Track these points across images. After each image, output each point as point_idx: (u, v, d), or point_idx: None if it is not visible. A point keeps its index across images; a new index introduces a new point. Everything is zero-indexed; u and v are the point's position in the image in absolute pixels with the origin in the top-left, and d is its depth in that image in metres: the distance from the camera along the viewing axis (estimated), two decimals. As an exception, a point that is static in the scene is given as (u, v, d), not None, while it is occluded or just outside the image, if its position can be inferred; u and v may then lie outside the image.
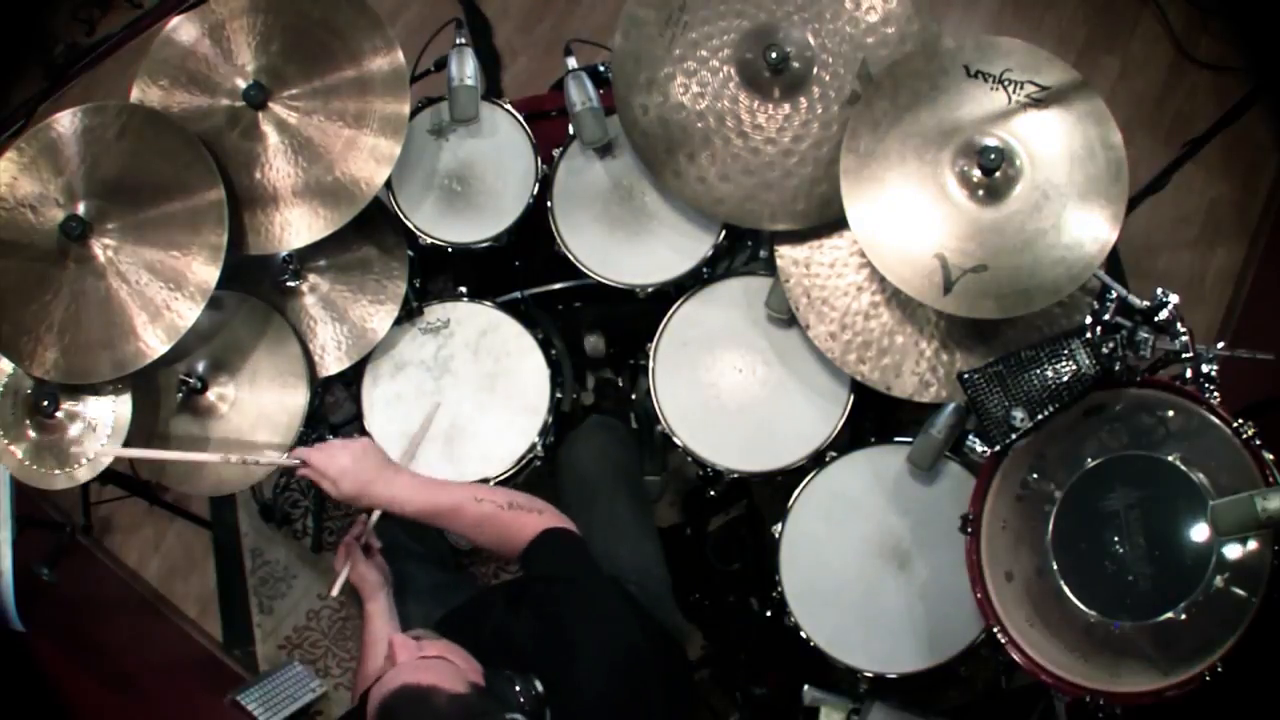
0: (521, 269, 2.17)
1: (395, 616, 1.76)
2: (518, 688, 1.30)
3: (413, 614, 1.81)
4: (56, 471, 1.84)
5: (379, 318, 1.97)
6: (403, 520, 1.87)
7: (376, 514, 1.71)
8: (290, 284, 1.97)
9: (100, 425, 1.84)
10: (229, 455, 1.69)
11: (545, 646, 1.40)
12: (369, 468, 1.57)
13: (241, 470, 1.88)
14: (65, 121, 1.79)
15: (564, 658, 1.38)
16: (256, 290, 1.95)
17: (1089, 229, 1.62)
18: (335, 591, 1.68)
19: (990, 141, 1.64)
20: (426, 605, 1.84)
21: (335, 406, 2.43)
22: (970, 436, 1.67)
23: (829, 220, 1.84)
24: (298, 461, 1.59)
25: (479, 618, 1.54)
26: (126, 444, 1.82)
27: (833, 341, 1.85)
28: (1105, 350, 1.57)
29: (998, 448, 1.61)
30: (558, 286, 2.18)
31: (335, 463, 1.56)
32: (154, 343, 1.75)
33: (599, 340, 2.28)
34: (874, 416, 2.05)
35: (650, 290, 2.01)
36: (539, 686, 1.31)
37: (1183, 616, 1.41)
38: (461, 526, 1.59)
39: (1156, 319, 1.59)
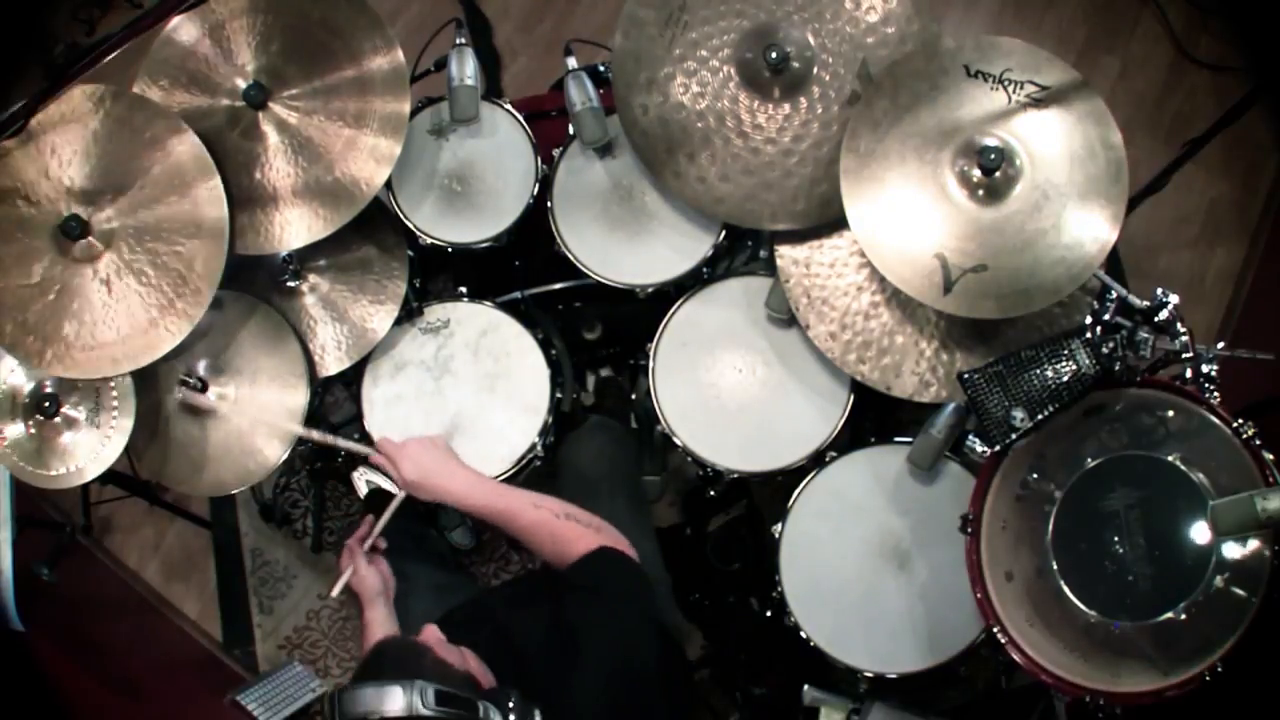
0: (521, 269, 2.17)
1: (396, 625, 1.75)
2: (511, 703, 1.29)
3: (413, 613, 1.81)
4: (57, 471, 1.84)
5: (379, 318, 1.97)
6: (404, 520, 1.87)
7: (385, 518, 1.71)
8: (290, 284, 1.97)
9: (101, 425, 1.84)
10: (321, 433, 1.79)
11: (549, 648, 1.40)
12: (434, 460, 1.67)
13: (241, 470, 1.89)
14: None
15: (566, 663, 1.37)
16: (256, 290, 1.95)
17: (1089, 229, 1.62)
18: (335, 592, 1.69)
19: (990, 141, 1.64)
20: (427, 604, 1.84)
21: (335, 406, 2.43)
22: (970, 436, 1.67)
23: (829, 220, 1.84)
24: (375, 451, 1.71)
25: (479, 617, 1.54)
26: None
27: (833, 341, 1.85)
28: (1105, 350, 1.57)
29: (998, 448, 1.60)
30: (558, 286, 2.18)
31: (403, 449, 1.67)
32: (159, 341, 1.74)
33: (596, 327, 2.27)
34: (874, 416, 2.05)
35: (650, 290, 2.01)
36: (537, 716, 1.29)
37: (1183, 616, 1.41)
38: (515, 529, 1.62)
39: (1156, 319, 1.59)
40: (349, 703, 1.15)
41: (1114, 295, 1.61)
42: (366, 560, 1.71)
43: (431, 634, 1.35)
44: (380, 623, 1.73)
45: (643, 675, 1.42)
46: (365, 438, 1.97)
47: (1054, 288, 1.62)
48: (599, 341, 2.27)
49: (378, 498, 1.77)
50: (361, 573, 1.69)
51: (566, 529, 1.58)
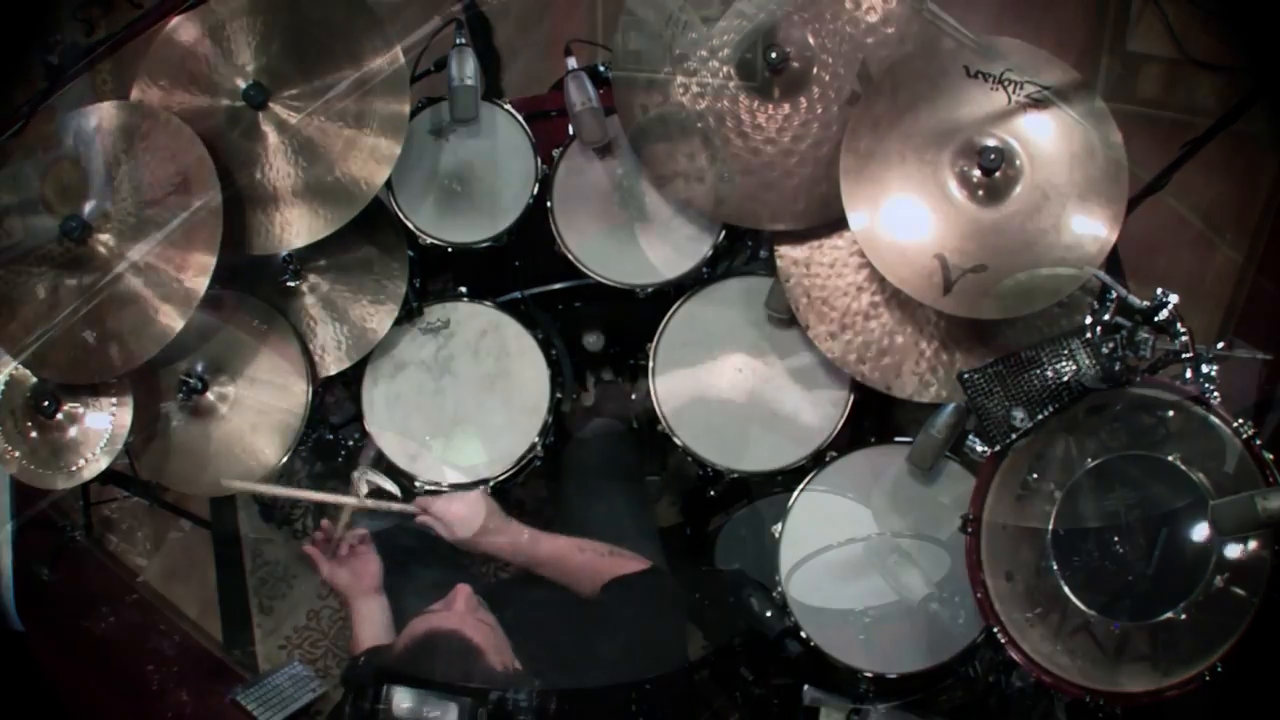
0: (521, 269, 2.17)
1: (388, 616, 1.76)
2: (535, 694, 1.29)
3: (412, 611, 1.81)
4: (56, 471, 1.84)
5: (379, 318, 1.97)
6: (403, 518, 1.88)
7: (345, 517, 1.72)
8: (290, 284, 1.96)
9: (101, 425, 1.84)
10: (358, 499, 1.77)
11: (573, 621, 1.44)
12: (480, 517, 1.68)
13: (242, 470, 1.89)
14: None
15: (589, 635, 1.41)
16: (256, 290, 1.95)
17: (1089, 229, 1.62)
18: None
19: (990, 141, 1.64)
20: (427, 602, 1.83)
21: (335, 406, 2.43)
22: (970, 436, 1.67)
23: (829, 220, 1.84)
24: (418, 510, 1.71)
25: (498, 600, 1.55)
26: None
27: (833, 341, 1.85)
28: (1105, 350, 1.57)
29: (998, 448, 1.61)
30: (558, 286, 2.18)
31: (452, 511, 1.69)
32: (154, 337, 1.74)
33: (598, 339, 2.28)
34: (874, 416, 2.05)
35: (650, 290, 2.01)
36: (553, 706, 1.30)
37: (1183, 616, 1.41)
38: (562, 574, 1.64)
39: (1156, 319, 1.59)
40: (402, 699, 1.16)
41: (1114, 295, 1.61)
42: (329, 559, 1.72)
43: (466, 597, 1.38)
44: (368, 615, 1.74)
45: (662, 659, 1.47)
46: (372, 449, 1.98)
47: (1054, 288, 1.62)
48: (601, 356, 2.28)
49: (378, 498, 1.77)
50: (326, 571, 1.70)
51: (611, 563, 1.61)
